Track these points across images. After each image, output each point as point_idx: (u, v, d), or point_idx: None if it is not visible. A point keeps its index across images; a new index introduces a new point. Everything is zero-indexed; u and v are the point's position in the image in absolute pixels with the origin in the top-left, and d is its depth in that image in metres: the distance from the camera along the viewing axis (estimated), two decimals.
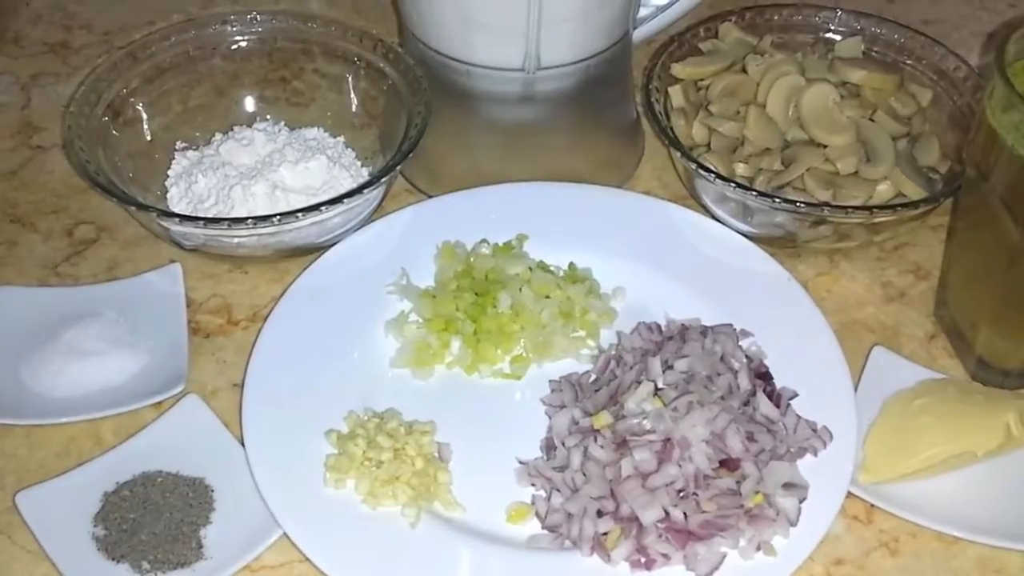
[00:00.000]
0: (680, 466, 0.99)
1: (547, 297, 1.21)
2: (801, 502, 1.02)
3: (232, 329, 1.25)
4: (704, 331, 1.11)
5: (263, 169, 1.23)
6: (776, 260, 1.24)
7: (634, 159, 1.44)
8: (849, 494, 1.05)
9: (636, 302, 1.24)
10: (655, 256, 1.26)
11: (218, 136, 1.32)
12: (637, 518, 0.98)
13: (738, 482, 1.00)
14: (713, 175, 1.20)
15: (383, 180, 1.21)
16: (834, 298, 1.27)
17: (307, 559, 1.01)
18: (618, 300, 1.25)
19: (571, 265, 1.26)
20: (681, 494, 0.99)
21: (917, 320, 1.26)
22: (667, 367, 1.06)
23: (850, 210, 1.17)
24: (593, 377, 1.15)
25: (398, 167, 1.22)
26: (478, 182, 1.33)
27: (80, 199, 1.39)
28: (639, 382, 1.05)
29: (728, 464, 1.00)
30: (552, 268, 1.25)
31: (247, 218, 1.15)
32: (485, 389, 1.17)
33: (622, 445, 1.01)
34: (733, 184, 1.18)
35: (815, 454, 1.06)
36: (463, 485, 1.08)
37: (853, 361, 1.15)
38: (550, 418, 1.12)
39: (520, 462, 1.09)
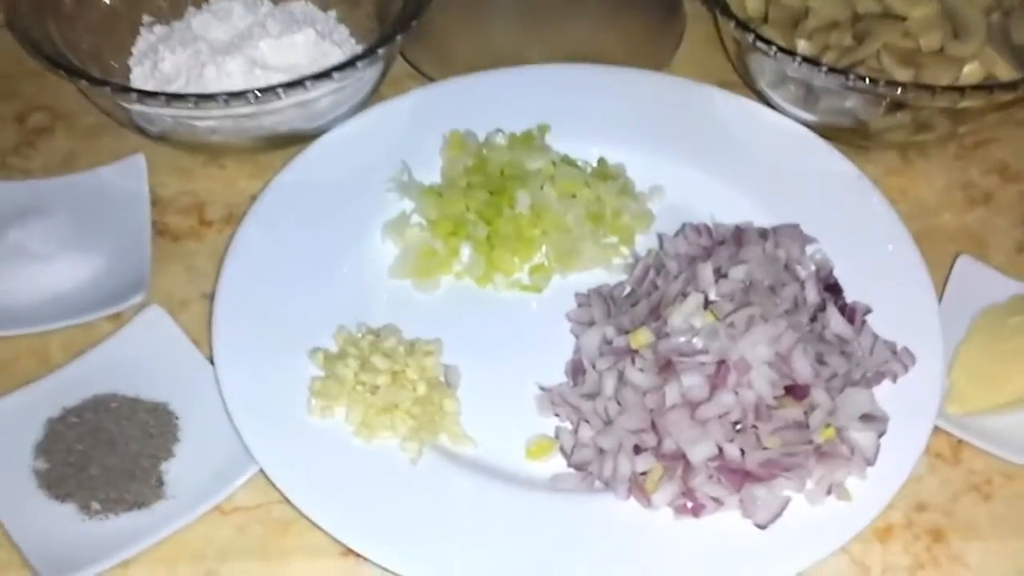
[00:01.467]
0: (737, 393, 0.83)
1: (573, 196, 1.04)
2: (880, 437, 0.86)
3: (204, 231, 1.08)
4: (764, 233, 0.93)
5: (241, 44, 1.10)
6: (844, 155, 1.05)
7: (673, 38, 1.25)
8: (934, 428, 0.89)
9: (677, 203, 1.07)
10: (699, 150, 1.09)
11: (190, 8, 1.16)
12: (684, 455, 0.83)
13: (806, 413, 0.83)
14: (774, 48, 1.01)
15: (380, 51, 1.02)
16: (908, 201, 1.10)
17: (287, 500, 0.85)
18: (656, 201, 1.07)
19: (601, 160, 1.09)
20: (737, 427, 0.83)
21: (1005, 228, 1.09)
22: (720, 275, 0.89)
23: (938, 90, 0.98)
24: (628, 289, 0.97)
25: (398, 36, 1.04)
26: (492, 64, 1.15)
27: (34, 82, 1.22)
28: (686, 293, 0.87)
29: (794, 391, 0.83)
30: (579, 163, 1.08)
31: (218, 95, 0.97)
32: (500, 303, 1.01)
33: (666, 368, 0.84)
34: (798, 58, 0.99)
35: (894, 380, 0.90)
36: (474, 415, 0.92)
37: (934, 273, 0.99)
38: (577, 337, 0.96)
39: (541, 388, 0.94)
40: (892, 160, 1.14)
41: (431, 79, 1.19)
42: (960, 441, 0.91)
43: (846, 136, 1.10)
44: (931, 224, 1.08)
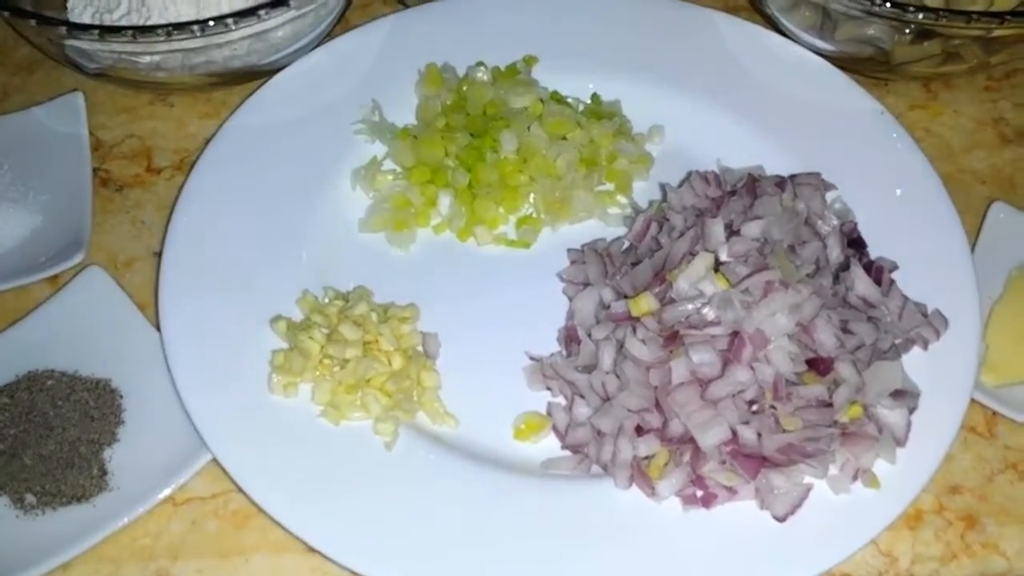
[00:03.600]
0: (753, 369, 0.73)
1: (563, 139, 0.93)
2: (911, 414, 0.75)
3: (152, 179, 0.97)
4: (781, 182, 0.83)
5: None
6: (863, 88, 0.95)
7: None
8: None
9: (678, 145, 0.97)
10: (702, 84, 0.99)
11: None
12: (692, 439, 0.72)
13: (829, 390, 0.73)
14: None
15: None
16: (934, 139, 0.99)
17: (244, 491, 0.75)
18: (655, 142, 0.97)
19: (594, 96, 0.98)
20: (753, 407, 0.73)
21: None
22: (732, 232, 0.78)
23: (974, 17, 0.86)
24: (626, 244, 0.87)
25: None
26: None
27: None
28: (694, 253, 0.77)
29: (817, 366, 0.74)
30: (570, 100, 0.96)
31: (159, 27, 0.85)
32: (483, 261, 0.91)
33: (672, 339, 0.75)
34: None
35: (925, 347, 0.80)
36: (455, 389, 0.83)
37: (965, 222, 0.89)
38: (570, 300, 0.85)
39: (532, 358, 0.84)
40: (915, 93, 1.03)
41: (403, 4, 1.07)
42: (995, 414, 0.83)
43: (865, 67, 0.99)
44: (959, 166, 0.98)
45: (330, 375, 0.80)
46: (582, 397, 0.79)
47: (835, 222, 0.81)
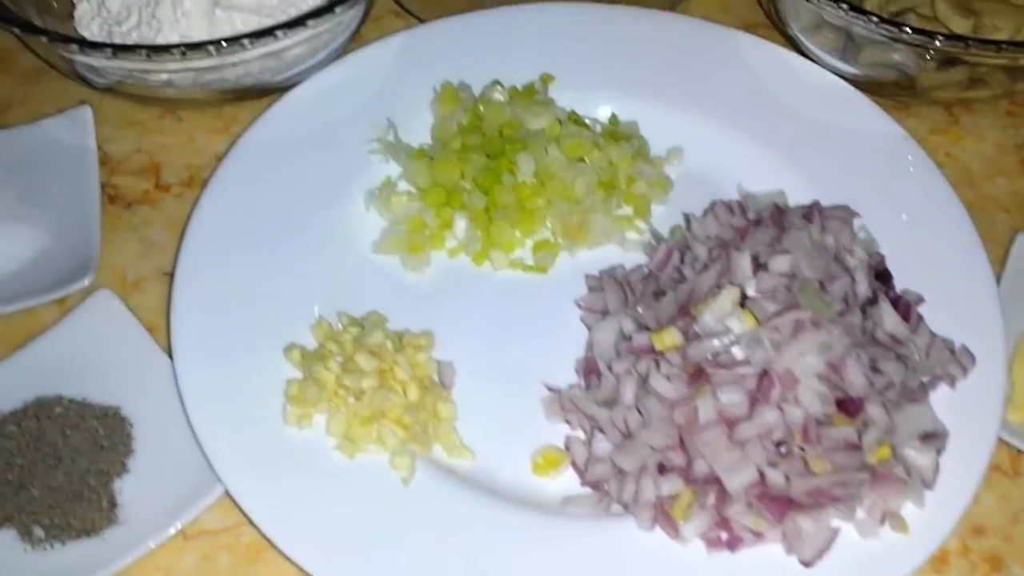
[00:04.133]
0: (781, 410, 0.71)
1: (581, 160, 0.91)
2: (939, 454, 0.74)
3: (161, 196, 0.95)
4: (808, 214, 0.81)
5: None
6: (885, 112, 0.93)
7: None
8: None
9: (698, 168, 0.95)
10: (722, 105, 0.97)
11: None
12: (717, 479, 0.70)
13: (858, 431, 0.71)
14: None
15: None
16: (956, 164, 0.98)
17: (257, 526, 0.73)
18: (673, 165, 0.95)
19: (612, 117, 0.96)
20: (781, 449, 0.71)
21: None
22: (759, 266, 0.76)
23: (1003, 46, 0.85)
24: (646, 271, 0.85)
25: None
26: (487, 3, 1.02)
27: None
28: (719, 287, 0.75)
29: (846, 407, 0.72)
30: (587, 121, 0.94)
31: (172, 46, 0.83)
32: (499, 286, 0.89)
33: (697, 376, 0.73)
34: (844, 6, 0.86)
35: (952, 385, 0.78)
36: (471, 421, 0.81)
37: (988, 251, 0.87)
38: (589, 328, 0.83)
39: (549, 389, 0.81)
40: (936, 117, 1.02)
41: (418, 19, 1.05)
42: (1020, 452, 0.81)
43: (888, 90, 0.98)
44: (981, 193, 0.97)
45: (345, 406, 0.78)
46: (602, 432, 0.77)
47: (863, 255, 0.80)
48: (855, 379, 0.72)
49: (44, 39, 0.85)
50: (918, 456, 0.74)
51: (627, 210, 0.92)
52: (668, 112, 0.96)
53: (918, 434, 0.74)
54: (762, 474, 0.71)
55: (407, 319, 0.84)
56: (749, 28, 1.02)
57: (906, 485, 0.73)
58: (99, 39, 0.96)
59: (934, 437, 0.75)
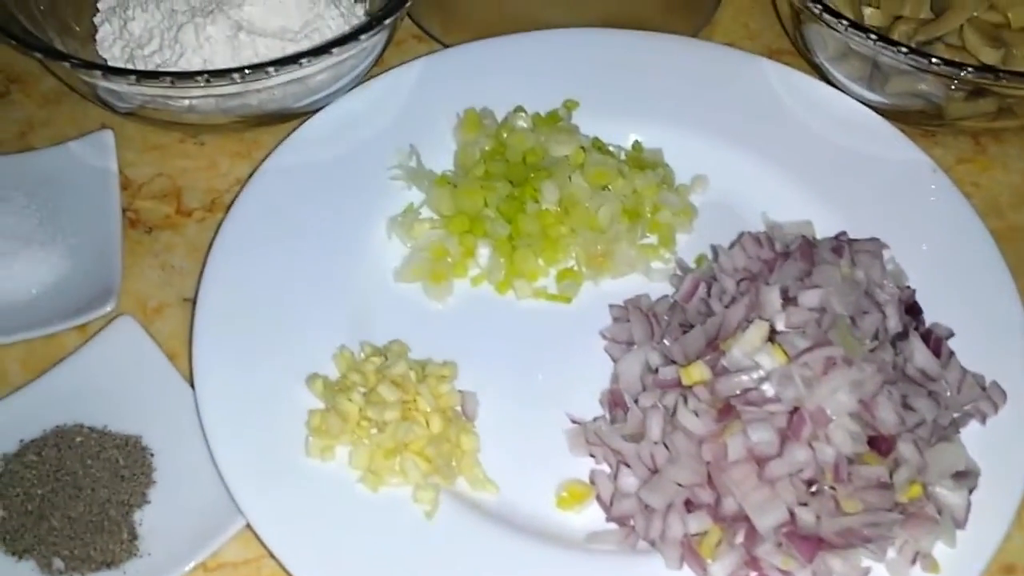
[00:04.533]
0: (812, 448, 0.69)
1: (605, 188, 0.90)
2: (970, 493, 0.73)
3: (183, 222, 0.95)
4: (838, 247, 0.80)
5: (223, 3, 0.96)
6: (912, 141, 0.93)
7: None
8: None
9: (723, 196, 0.94)
10: (747, 133, 0.97)
11: None
12: (746, 517, 0.69)
13: (890, 470, 0.70)
14: (844, 22, 0.87)
15: (384, 24, 0.87)
16: (983, 194, 0.97)
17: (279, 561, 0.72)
18: (698, 193, 0.94)
19: (636, 144, 0.95)
20: (812, 488, 0.70)
21: None
22: (788, 300, 0.75)
23: None
24: (672, 302, 0.84)
25: (406, 4, 0.89)
26: (510, 28, 1.01)
27: None
28: (749, 321, 0.74)
29: (878, 445, 0.71)
30: (611, 148, 0.93)
31: (196, 73, 0.82)
32: (522, 315, 0.88)
33: (726, 411, 0.72)
34: (872, 36, 0.85)
35: (983, 422, 0.77)
36: (494, 453, 0.80)
37: (1017, 283, 0.86)
38: (614, 360, 0.82)
39: (574, 421, 0.80)
40: (963, 146, 1.01)
41: (440, 43, 1.04)
42: None
43: (914, 118, 0.97)
44: (1009, 223, 0.96)
45: (368, 438, 0.77)
46: (628, 466, 0.76)
47: (893, 289, 0.79)
48: (887, 417, 0.71)
49: (67, 64, 0.84)
50: (950, 495, 0.73)
51: (652, 239, 0.91)
52: (693, 139, 0.95)
53: (950, 473, 0.73)
54: (792, 513, 0.70)
55: (429, 348, 0.84)
56: (774, 55, 1.02)
57: (937, 525, 0.72)
58: (121, 62, 0.95)
59: (966, 476, 0.74)
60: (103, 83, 0.87)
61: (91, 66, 0.85)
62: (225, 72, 0.83)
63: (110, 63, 0.96)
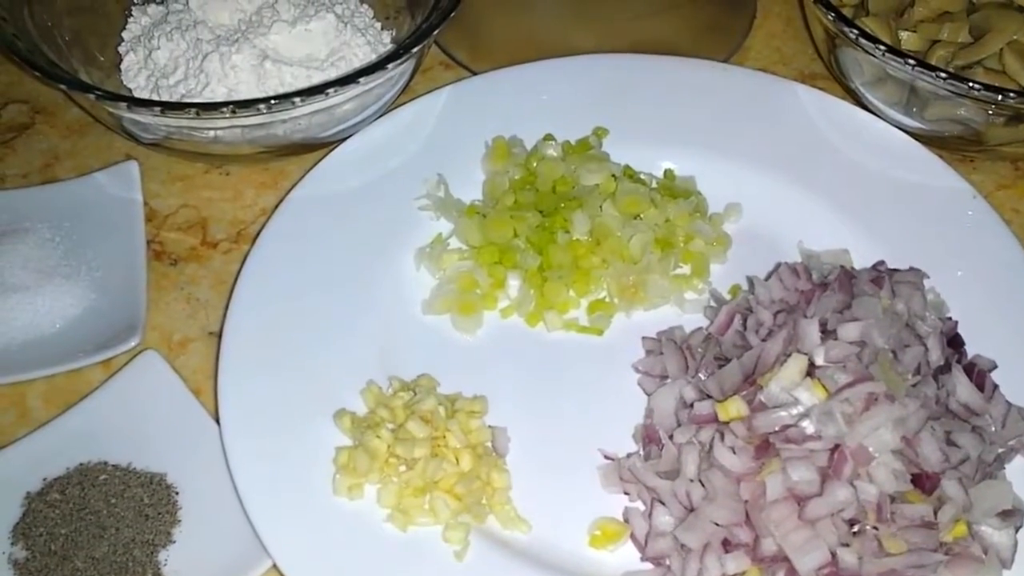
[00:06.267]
0: (854, 487, 0.67)
1: (637, 217, 0.88)
2: (1017, 532, 0.70)
3: (208, 253, 0.93)
4: (878, 278, 0.78)
5: (248, 32, 0.95)
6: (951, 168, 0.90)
7: (744, 21, 1.10)
8: None
9: (757, 224, 0.93)
10: (783, 159, 0.95)
11: None
12: (787, 558, 0.67)
13: (934, 508, 0.68)
14: (881, 47, 0.85)
15: (413, 51, 0.86)
16: (1023, 221, 0.93)
17: None
18: (732, 221, 0.92)
19: (668, 172, 0.93)
20: (854, 528, 0.68)
21: None
22: (827, 333, 0.73)
23: None
24: (706, 334, 0.82)
25: (433, 33, 0.87)
26: (538, 54, 1.00)
27: (10, 72, 1.08)
28: (786, 355, 0.72)
29: (922, 483, 0.69)
30: (642, 176, 0.92)
31: (222, 104, 0.82)
32: (553, 347, 0.86)
33: (764, 448, 0.70)
34: (911, 62, 0.83)
35: None
36: (525, 490, 0.78)
37: None
38: (647, 393, 0.80)
39: (607, 457, 0.78)
40: (1002, 171, 0.99)
41: (468, 69, 1.03)
42: None
43: (952, 144, 0.95)
44: None
45: (396, 475, 0.76)
46: (663, 504, 0.74)
47: (935, 322, 0.77)
48: (930, 454, 0.69)
49: (92, 96, 0.84)
50: (996, 534, 0.71)
51: (685, 269, 0.89)
52: (726, 166, 0.94)
53: (995, 511, 0.70)
54: (834, 554, 0.68)
55: (458, 382, 0.82)
56: (807, 80, 1.00)
57: (983, 564, 0.69)
58: (146, 92, 0.95)
59: (1012, 515, 0.71)
60: (128, 114, 0.86)
61: (116, 97, 0.84)
62: (251, 103, 0.82)
63: (135, 92, 0.95)
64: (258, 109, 0.82)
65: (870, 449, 0.68)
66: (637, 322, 0.87)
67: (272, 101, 0.82)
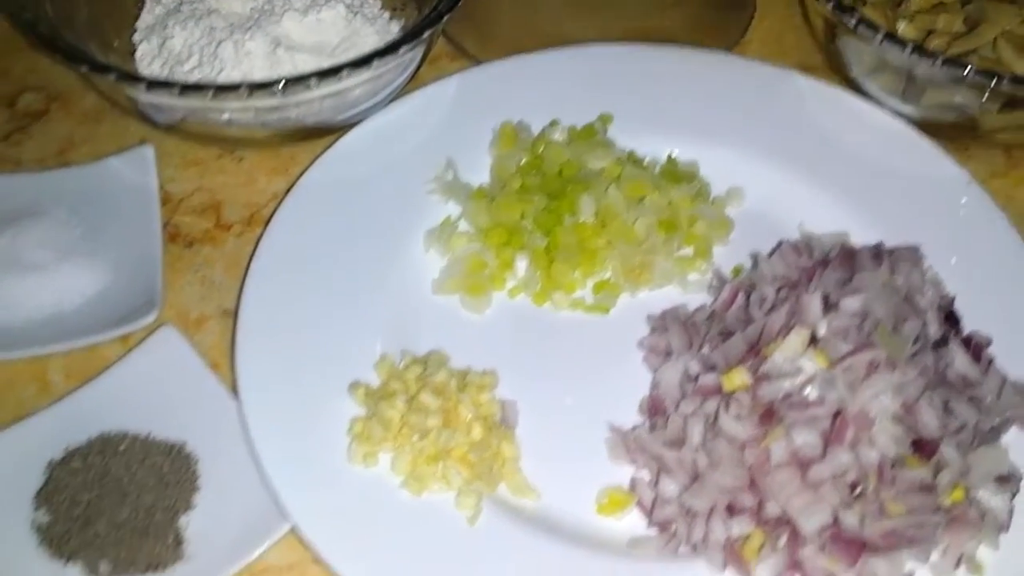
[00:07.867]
0: (855, 452, 0.70)
1: (641, 201, 0.90)
2: (1013, 497, 0.73)
3: (222, 236, 0.95)
4: (878, 254, 0.80)
5: (261, 20, 0.96)
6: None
7: (744, 14, 1.12)
8: None
9: (758, 208, 0.95)
10: (782, 146, 0.97)
11: None
12: (789, 521, 0.70)
13: (933, 473, 0.71)
14: (880, 34, 0.87)
15: (423, 37, 0.89)
16: (1016, 208, 0.97)
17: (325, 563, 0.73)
18: (734, 205, 0.95)
19: (671, 158, 0.95)
20: (855, 491, 0.70)
21: None
22: (829, 306, 0.75)
23: None
24: (710, 312, 0.84)
25: (444, 19, 0.90)
26: (544, 43, 1.02)
27: (26, 59, 1.09)
28: (790, 327, 0.74)
29: (921, 448, 0.71)
30: (646, 161, 0.94)
31: (238, 85, 0.84)
32: (560, 326, 0.88)
33: (767, 416, 0.73)
34: (908, 47, 0.86)
35: None
36: (534, 460, 0.80)
37: None
38: (652, 369, 0.82)
39: (613, 429, 0.80)
40: (996, 159, 1.01)
41: (475, 59, 1.06)
42: None
43: (947, 132, 0.97)
44: None
45: (410, 444, 0.78)
46: (668, 472, 0.77)
47: (933, 296, 0.79)
48: (929, 420, 0.72)
49: (112, 77, 0.86)
50: (992, 498, 0.73)
51: (688, 251, 0.91)
52: (727, 153, 0.96)
53: (992, 476, 0.73)
54: (836, 516, 0.70)
55: (468, 358, 0.84)
56: (806, 70, 1.02)
57: (980, 528, 0.72)
58: (162, 78, 0.97)
59: (1008, 480, 0.74)
60: (146, 96, 0.88)
61: (135, 79, 0.86)
62: (266, 84, 0.84)
63: None
64: (273, 91, 0.84)
65: (871, 414, 0.71)
66: (641, 301, 0.89)
67: (288, 82, 0.84)
